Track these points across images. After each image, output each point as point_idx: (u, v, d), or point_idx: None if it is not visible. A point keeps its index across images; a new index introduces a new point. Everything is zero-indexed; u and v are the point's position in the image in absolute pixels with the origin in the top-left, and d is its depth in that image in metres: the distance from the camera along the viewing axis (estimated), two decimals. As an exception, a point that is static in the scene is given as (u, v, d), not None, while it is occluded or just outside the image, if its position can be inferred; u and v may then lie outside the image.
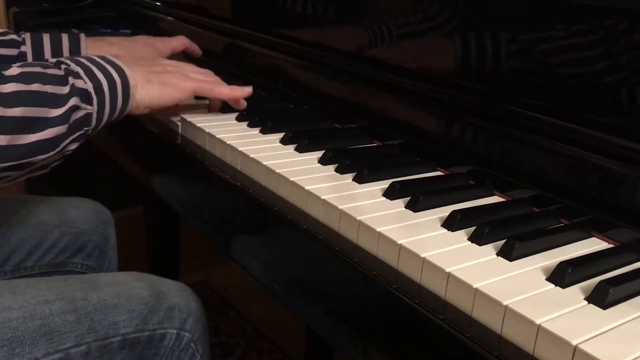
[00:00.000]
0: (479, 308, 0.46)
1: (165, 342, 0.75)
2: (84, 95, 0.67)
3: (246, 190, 0.66)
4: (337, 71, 0.84)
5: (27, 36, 0.87)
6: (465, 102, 0.68)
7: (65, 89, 0.64)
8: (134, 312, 0.73)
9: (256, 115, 0.80)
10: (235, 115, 0.82)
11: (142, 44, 0.95)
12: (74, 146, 0.68)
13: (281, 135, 0.75)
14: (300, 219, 0.60)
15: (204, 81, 0.79)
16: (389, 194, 0.60)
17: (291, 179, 0.62)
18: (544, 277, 0.48)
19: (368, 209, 0.57)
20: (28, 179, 0.68)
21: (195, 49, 1.02)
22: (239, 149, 0.70)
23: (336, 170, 0.66)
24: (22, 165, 0.63)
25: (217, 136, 0.74)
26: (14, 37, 0.86)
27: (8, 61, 0.63)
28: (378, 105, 0.79)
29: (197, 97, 0.85)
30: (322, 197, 0.59)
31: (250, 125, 0.79)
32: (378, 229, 0.53)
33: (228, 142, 0.72)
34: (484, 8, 0.66)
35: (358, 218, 0.55)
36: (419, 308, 0.47)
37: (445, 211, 0.57)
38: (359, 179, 0.63)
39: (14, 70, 0.62)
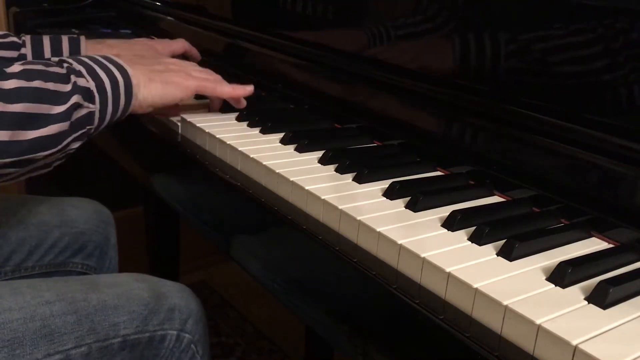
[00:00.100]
0: (479, 308, 0.46)
1: (165, 343, 0.75)
2: (86, 94, 0.67)
3: (246, 190, 0.66)
4: (337, 71, 0.84)
5: (27, 38, 0.87)
6: (465, 102, 0.68)
7: (68, 87, 0.65)
8: (134, 313, 0.73)
9: (256, 115, 0.80)
10: (235, 115, 0.82)
11: (142, 46, 0.95)
12: (76, 145, 0.68)
13: (281, 135, 0.75)
14: (300, 219, 0.60)
15: (206, 80, 0.80)
16: (389, 194, 0.60)
17: (291, 179, 0.62)
18: (544, 277, 0.48)
19: (368, 209, 0.57)
20: (29, 178, 0.68)
21: (195, 53, 1.02)
22: (239, 149, 0.70)
23: (336, 170, 0.66)
24: (23, 162, 0.63)
25: (217, 136, 0.74)
26: (14, 39, 0.86)
27: (8, 63, 0.63)
28: (378, 105, 0.79)
29: (197, 97, 0.85)
30: (322, 197, 0.59)
31: (250, 125, 0.79)
32: (378, 229, 0.53)
33: (228, 142, 0.72)
34: (483, 8, 0.66)
35: (358, 218, 0.55)
36: (419, 308, 0.47)
37: (445, 211, 0.57)
38: (359, 179, 0.63)
39: (16, 67, 0.63)
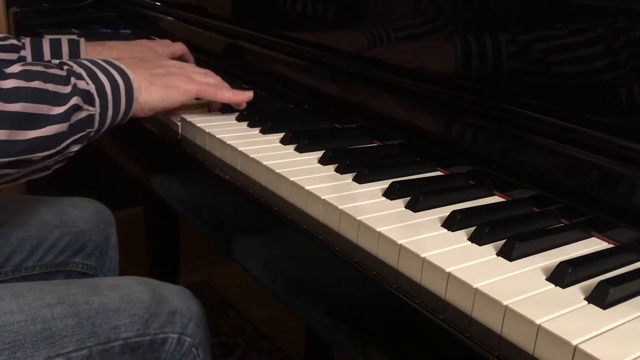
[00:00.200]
0: (479, 308, 0.46)
1: (166, 346, 0.75)
2: (86, 96, 0.67)
3: (246, 190, 0.66)
4: (337, 71, 0.84)
5: (26, 41, 0.87)
6: (465, 102, 0.68)
7: (67, 89, 0.64)
8: (135, 317, 0.73)
9: (256, 115, 0.80)
10: (235, 115, 0.82)
11: (142, 47, 0.95)
12: (76, 148, 0.68)
13: (281, 135, 0.75)
14: (300, 219, 0.60)
15: (207, 84, 0.80)
16: (389, 194, 0.60)
17: (291, 179, 0.62)
18: (544, 277, 0.48)
19: (368, 209, 0.57)
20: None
21: (191, 59, 1.03)
22: (239, 149, 0.70)
23: (336, 170, 0.66)
24: (21, 162, 0.62)
25: (217, 136, 0.74)
26: (14, 41, 0.86)
27: (8, 66, 0.63)
28: (378, 105, 0.79)
29: (197, 97, 0.85)
30: (322, 197, 0.59)
31: (251, 125, 0.79)
32: (378, 229, 0.53)
33: (228, 142, 0.72)
34: (483, 8, 0.66)
35: (358, 218, 0.55)
36: (419, 308, 0.47)
37: (445, 211, 0.57)
38: (359, 179, 0.63)
39: (15, 68, 0.63)
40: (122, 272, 0.97)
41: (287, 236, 0.62)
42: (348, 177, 0.64)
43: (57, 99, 0.63)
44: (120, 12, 1.43)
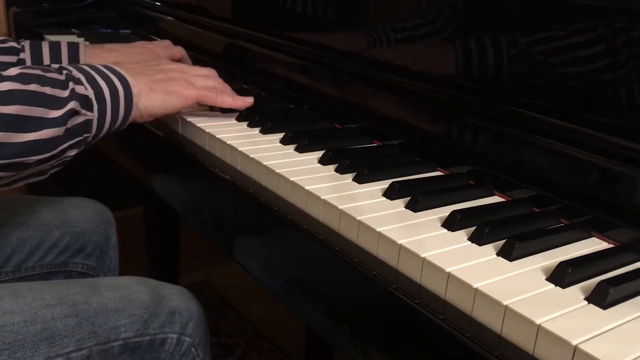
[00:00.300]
0: (479, 308, 0.46)
1: (165, 346, 0.75)
2: (84, 101, 0.66)
3: (246, 190, 0.66)
4: (337, 71, 0.84)
5: (26, 44, 0.87)
6: (465, 102, 0.68)
7: (65, 93, 0.64)
8: (135, 317, 0.73)
9: (256, 115, 0.80)
10: (235, 115, 0.82)
11: (142, 49, 0.95)
12: (73, 152, 0.67)
13: (281, 135, 0.75)
14: (300, 219, 0.60)
15: (207, 88, 0.79)
16: (389, 194, 0.60)
17: (291, 179, 0.62)
18: (544, 277, 0.48)
19: (368, 209, 0.57)
20: (29, 179, 0.68)
21: (188, 64, 1.02)
22: (239, 149, 0.70)
23: (336, 170, 0.66)
24: (15, 165, 0.62)
25: (217, 136, 0.74)
26: (14, 44, 0.86)
27: (7, 68, 0.63)
28: (378, 105, 0.79)
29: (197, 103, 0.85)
30: (322, 197, 0.59)
31: (251, 125, 0.79)
32: (378, 229, 0.53)
33: (228, 142, 0.72)
34: (483, 8, 0.66)
35: (358, 218, 0.55)
36: (419, 308, 0.47)
37: (445, 211, 0.57)
38: (359, 179, 0.63)
39: (13, 70, 0.62)
40: (122, 272, 0.97)
41: (287, 236, 0.62)
42: (348, 177, 0.64)
43: (54, 102, 0.63)
44: (120, 12, 1.43)
